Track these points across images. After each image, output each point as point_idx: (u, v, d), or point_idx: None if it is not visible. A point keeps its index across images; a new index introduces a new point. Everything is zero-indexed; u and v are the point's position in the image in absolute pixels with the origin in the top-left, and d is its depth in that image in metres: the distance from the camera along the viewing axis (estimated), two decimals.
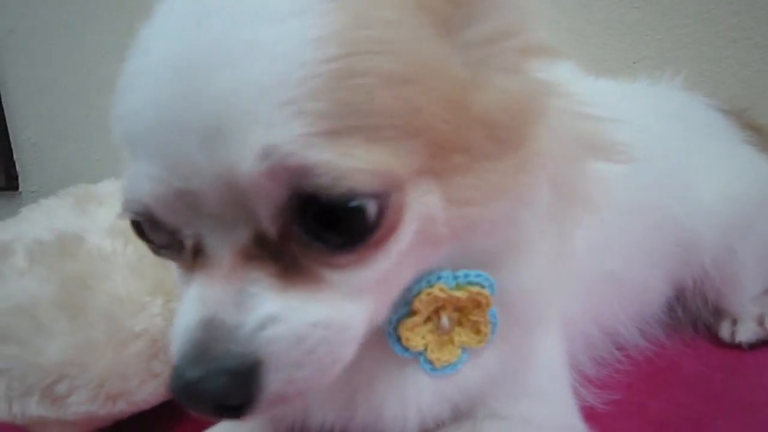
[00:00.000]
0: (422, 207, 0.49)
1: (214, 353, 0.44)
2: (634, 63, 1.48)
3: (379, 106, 0.45)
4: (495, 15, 0.53)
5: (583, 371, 0.85)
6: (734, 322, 1.02)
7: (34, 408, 0.77)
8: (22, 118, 2.20)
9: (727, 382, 0.93)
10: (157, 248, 0.54)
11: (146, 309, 0.83)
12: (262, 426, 0.75)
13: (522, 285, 0.62)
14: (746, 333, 1.00)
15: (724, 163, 1.00)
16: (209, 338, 0.45)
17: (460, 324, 0.60)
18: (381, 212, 0.46)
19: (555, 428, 0.70)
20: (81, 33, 2.04)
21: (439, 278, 0.57)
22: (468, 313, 0.59)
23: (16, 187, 2.26)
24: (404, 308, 0.58)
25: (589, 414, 0.75)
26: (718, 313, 1.04)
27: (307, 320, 0.46)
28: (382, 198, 0.46)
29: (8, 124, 2.21)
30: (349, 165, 0.43)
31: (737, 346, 1.01)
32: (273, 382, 0.45)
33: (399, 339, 0.59)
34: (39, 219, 0.94)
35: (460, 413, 0.66)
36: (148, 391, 0.82)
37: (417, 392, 0.62)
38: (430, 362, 0.60)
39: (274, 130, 0.42)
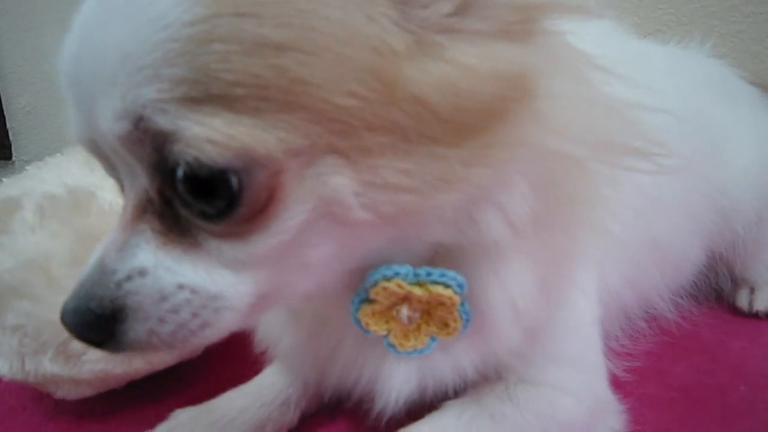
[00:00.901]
0: (321, 187, 0.45)
1: (87, 292, 0.48)
2: (645, 37, 1.47)
3: (241, 75, 0.41)
4: None
5: (608, 340, 0.83)
6: (752, 290, 1.03)
7: (48, 366, 0.74)
8: (15, 86, 2.15)
9: (746, 350, 0.93)
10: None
11: None
12: (287, 390, 0.76)
13: (507, 291, 0.57)
14: (764, 301, 1.01)
15: (759, 131, 1.00)
16: (90, 278, 0.48)
17: (428, 315, 0.57)
18: (242, 188, 0.44)
19: (587, 396, 0.69)
20: None
21: (396, 273, 0.54)
22: (434, 309, 0.57)
23: (8, 156, 2.22)
24: (363, 294, 0.56)
25: (611, 380, 0.75)
26: (737, 281, 1.04)
27: (173, 281, 0.47)
28: (242, 174, 0.43)
29: (0, 92, 2.16)
30: (200, 135, 0.41)
31: (754, 316, 1.01)
32: (133, 331, 0.48)
33: (360, 321, 0.57)
34: (47, 176, 0.91)
35: (489, 377, 0.65)
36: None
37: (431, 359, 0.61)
38: (393, 345, 0.58)
39: (129, 93, 0.42)
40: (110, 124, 0.44)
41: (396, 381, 0.62)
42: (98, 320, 0.47)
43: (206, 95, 0.41)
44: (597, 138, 0.53)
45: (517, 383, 0.66)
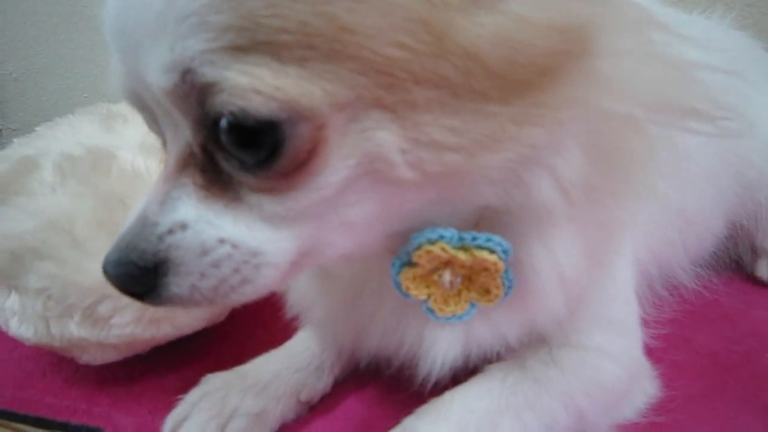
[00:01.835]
0: (366, 143, 0.44)
1: (129, 244, 0.48)
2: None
3: (288, 21, 0.40)
4: None
5: None
6: None
7: (75, 329, 0.72)
8: (1, 51, 2.07)
9: (767, 319, 0.93)
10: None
11: None
12: (322, 355, 0.75)
13: (554, 260, 0.55)
14: None
15: None
16: (133, 230, 0.48)
17: (469, 281, 0.56)
18: (285, 140, 0.43)
19: (627, 360, 0.69)
20: None
21: (441, 236, 0.53)
22: (476, 274, 0.55)
23: None
24: (405, 257, 0.54)
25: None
26: (757, 252, 1.04)
27: (215, 234, 0.47)
28: (286, 125, 0.42)
29: None
30: (246, 85, 0.40)
31: None
32: (175, 285, 0.47)
33: (400, 285, 0.56)
34: (61, 135, 0.88)
35: (531, 342, 0.65)
36: (192, 314, 0.78)
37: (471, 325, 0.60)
38: (432, 310, 0.57)
39: (177, 44, 0.41)
40: (158, 76, 0.43)
41: (441, 346, 0.61)
42: (141, 272, 0.47)
43: (252, 43, 0.40)
44: (658, 98, 0.50)
45: (561, 347, 0.65)
